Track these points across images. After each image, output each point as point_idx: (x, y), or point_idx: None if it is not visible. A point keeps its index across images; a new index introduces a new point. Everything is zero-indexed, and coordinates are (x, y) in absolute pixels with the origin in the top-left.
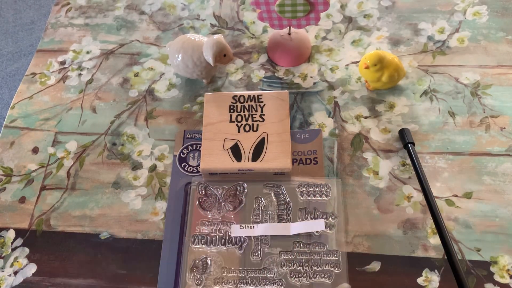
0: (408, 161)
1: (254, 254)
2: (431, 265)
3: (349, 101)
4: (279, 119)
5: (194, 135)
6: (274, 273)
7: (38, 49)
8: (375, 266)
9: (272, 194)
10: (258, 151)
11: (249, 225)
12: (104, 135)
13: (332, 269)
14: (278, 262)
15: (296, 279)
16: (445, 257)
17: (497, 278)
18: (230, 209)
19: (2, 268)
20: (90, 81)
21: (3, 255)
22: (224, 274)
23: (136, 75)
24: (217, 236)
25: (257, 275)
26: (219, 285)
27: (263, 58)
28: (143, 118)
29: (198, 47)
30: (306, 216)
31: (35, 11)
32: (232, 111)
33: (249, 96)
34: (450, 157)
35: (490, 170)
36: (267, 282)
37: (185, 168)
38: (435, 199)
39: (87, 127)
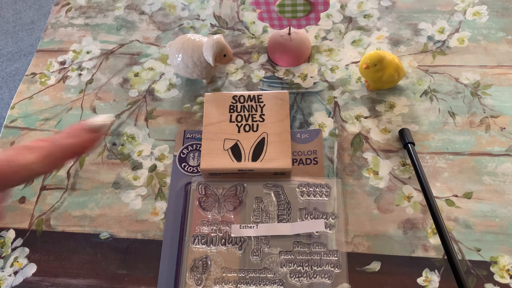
0: (408, 161)
1: (254, 254)
2: (431, 265)
3: (349, 101)
4: (279, 119)
5: (194, 135)
6: (274, 273)
7: (38, 49)
8: (375, 266)
9: (272, 194)
10: (258, 151)
11: (249, 225)
12: (104, 135)
13: (332, 269)
14: (278, 262)
15: (296, 279)
16: (445, 257)
17: (497, 278)
18: (230, 209)
19: (2, 268)
20: (90, 81)
21: (3, 255)
22: (224, 274)
23: (136, 75)
24: (217, 236)
25: (257, 275)
26: (219, 285)
27: (263, 58)
28: (143, 118)
29: (198, 47)
30: (306, 216)
31: (35, 11)
32: (232, 111)
33: (249, 96)
34: (450, 157)
35: (490, 170)
36: (267, 282)
37: (185, 168)
38: (435, 199)
39: None
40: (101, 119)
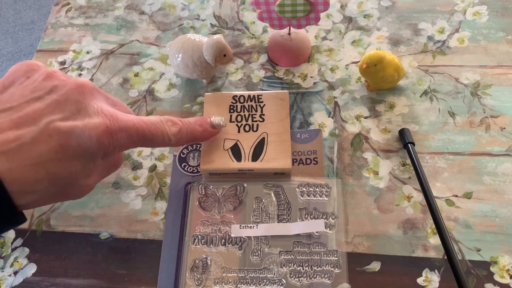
0: (408, 161)
1: (254, 254)
2: (431, 265)
3: (349, 101)
4: (279, 119)
5: None
6: (274, 273)
7: (38, 49)
8: (375, 266)
9: (272, 194)
10: (258, 151)
11: (249, 225)
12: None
13: (332, 269)
14: (278, 262)
15: (296, 279)
16: (445, 257)
17: (497, 278)
18: (230, 209)
19: (2, 268)
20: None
21: (3, 255)
22: (224, 274)
23: (136, 75)
24: (217, 236)
25: (257, 275)
26: (219, 285)
27: (263, 58)
28: None
29: (198, 47)
30: (306, 216)
31: (35, 11)
32: (232, 111)
33: (249, 96)
34: (450, 157)
35: (490, 170)
36: (267, 282)
37: (185, 168)
38: (435, 199)
39: None
40: (221, 118)
